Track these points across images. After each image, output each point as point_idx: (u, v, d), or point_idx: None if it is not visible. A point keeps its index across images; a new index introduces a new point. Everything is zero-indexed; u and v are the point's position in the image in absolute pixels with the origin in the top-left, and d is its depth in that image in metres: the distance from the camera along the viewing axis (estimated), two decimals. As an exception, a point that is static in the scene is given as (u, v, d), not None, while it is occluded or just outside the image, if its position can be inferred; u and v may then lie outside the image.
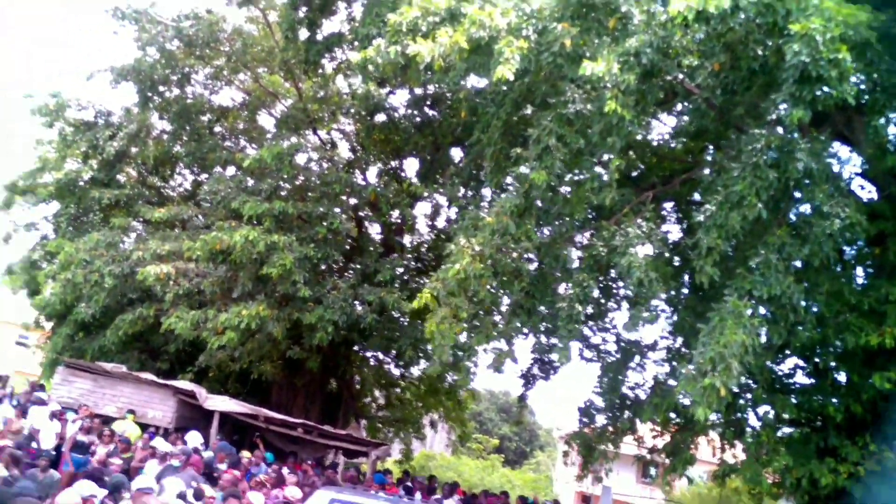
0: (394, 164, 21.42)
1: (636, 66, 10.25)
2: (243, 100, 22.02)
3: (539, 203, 12.15)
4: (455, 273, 11.57)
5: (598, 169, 12.01)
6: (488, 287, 12.46)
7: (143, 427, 16.09)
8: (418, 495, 16.03)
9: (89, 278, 17.85)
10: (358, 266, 18.69)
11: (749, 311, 10.56)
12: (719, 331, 10.32)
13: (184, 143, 20.79)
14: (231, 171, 20.70)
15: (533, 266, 13.76)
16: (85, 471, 10.43)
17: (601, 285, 14.62)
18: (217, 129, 21.78)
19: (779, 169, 10.39)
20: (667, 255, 12.98)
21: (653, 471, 40.76)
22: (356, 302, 17.39)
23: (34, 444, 13.12)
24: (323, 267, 18.66)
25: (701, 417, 10.56)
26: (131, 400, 17.41)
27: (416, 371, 23.40)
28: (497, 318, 14.72)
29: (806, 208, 11.79)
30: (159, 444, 13.75)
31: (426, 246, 22.19)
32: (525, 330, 14.47)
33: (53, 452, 13.50)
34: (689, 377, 10.70)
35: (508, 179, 13.51)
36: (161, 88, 20.35)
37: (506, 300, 13.73)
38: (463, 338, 13.61)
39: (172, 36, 19.21)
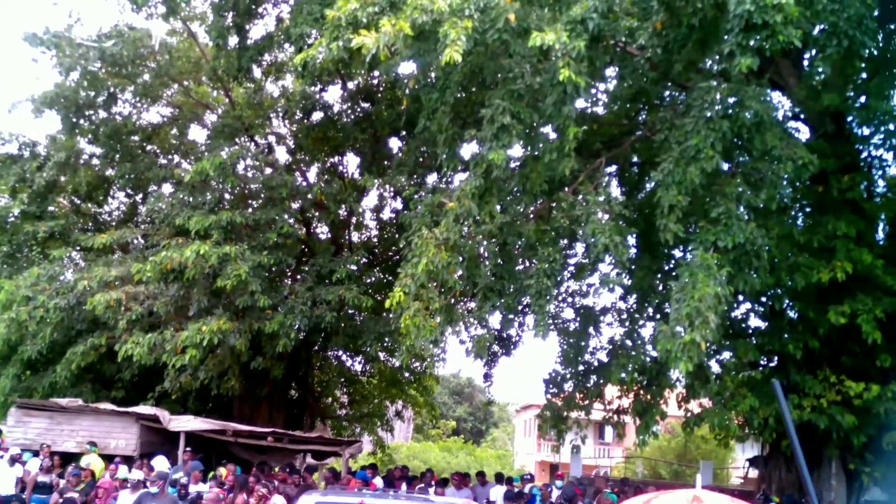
0: (333, 161, 21.25)
1: (583, 32, 10.43)
2: (172, 114, 21.49)
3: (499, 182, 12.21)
4: (424, 267, 11.59)
5: (553, 138, 12.15)
6: (457, 274, 12.52)
7: (109, 458, 15.72)
8: (404, 486, 16.05)
9: (34, 315, 17.25)
10: (311, 267, 18.46)
11: (716, 263, 10.87)
12: (692, 285, 10.57)
13: (116, 165, 20.14)
14: (168, 188, 20.22)
15: (497, 247, 13.85)
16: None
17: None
18: (149, 147, 21.18)
19: (730, 119, 10.70)
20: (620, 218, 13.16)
21: (608, 433, 41.65)
22: (315, 303, 17.20)
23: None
24: (277, 273, 18.45)
25: (683, 371, 10.86)
26: (91, 432, 16.98)
27: (378, 365, 23.33)
28: (467, 303, 14.85)
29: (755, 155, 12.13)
30: (123, 472, 13.46)
31: (375, 239, 22.13)
32: (498, 311, 14.55)
33: (23, 496, 13.15)
34: (666, 335, 10.94)
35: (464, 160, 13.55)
36: (87, 112, 19.70)
37: (474, 285, 13.75)
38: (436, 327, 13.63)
39: (95, 57, 18.53)
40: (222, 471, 14.81)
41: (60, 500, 11.38)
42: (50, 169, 19.33)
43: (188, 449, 16.04)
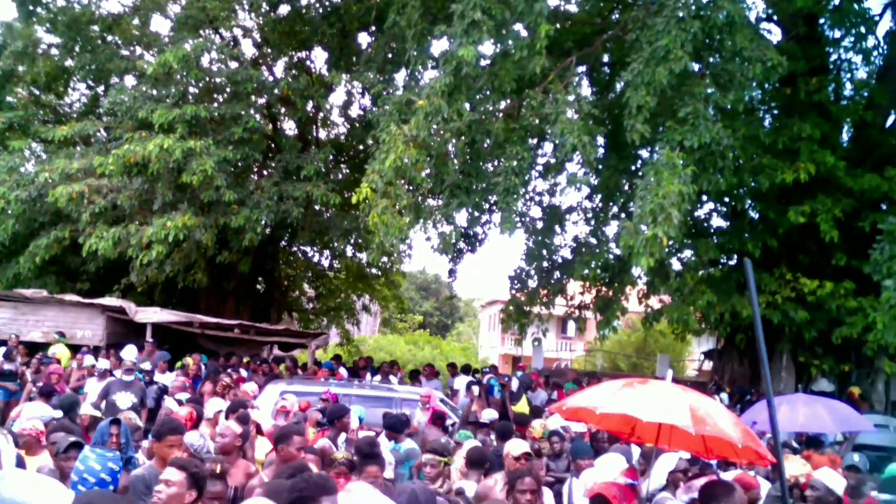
0: (301, 56, 20.73)
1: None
2: (134, 4, 20.59)
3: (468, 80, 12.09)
4: (392, 163, 11.58)
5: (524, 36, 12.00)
6: (424, 172, 12.53)
7: (74, 349, 15.86)
8: (369, 376, 16.43)
9: (-6, 206, 17.02)
10: (278, 163, 18.29)
11: (681, 162, 11.00)
12: (656, 183, 10.72)
13: (76, 56, 19.48)
14: (130, 80, 19.66)
15: (465, 145, 13.82)
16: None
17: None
18: (110, 38, 20.40)
19: (702, 19, 10.63)
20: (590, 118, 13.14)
21: (570, 328, 42.58)
22: (281, 199, 17.15)
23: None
24: (243, 168, 18.27)
25: (645, 267, 11.13)
26: (57, 323, 17.11)
27: (344, 260, 23.48)
28: (434, 200, 14.88)
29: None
30: (89, 361, 13.61)
31: (343, 137, 21.88)
32: (466, 209, 14.63)
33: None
34: (629, 231, 11.16)
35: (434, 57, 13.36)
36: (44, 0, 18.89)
37: (442, 182, 13.76)
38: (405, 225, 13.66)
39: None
40: (189, 361, 14.99)
41: (34, 389, 11.44)
42: (7, 58, 18.68)
43: (151, 340, 16.21)
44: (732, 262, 16.89)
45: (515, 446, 6.64)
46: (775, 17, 15.04)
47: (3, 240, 17.87)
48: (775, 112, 15.56)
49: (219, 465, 5.69)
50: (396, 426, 8.58)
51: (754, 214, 16.23)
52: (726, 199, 16.32)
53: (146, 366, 13.73)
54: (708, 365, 20.74)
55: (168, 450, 5.74)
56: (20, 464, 5.78)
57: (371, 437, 7.70)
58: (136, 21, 20.83)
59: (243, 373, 14.18)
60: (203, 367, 14.78)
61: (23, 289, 17.74)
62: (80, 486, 4.40)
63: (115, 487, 4.65)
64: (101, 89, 20.96)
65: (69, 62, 19.85)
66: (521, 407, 12.33)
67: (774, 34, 15.34)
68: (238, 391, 11.32)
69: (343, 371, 16.42)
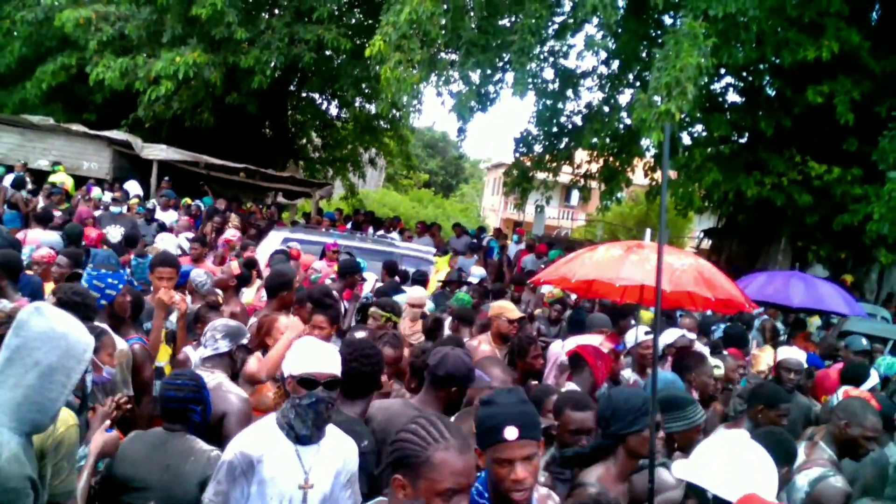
0: None
1: None
2: None
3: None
4: (407, 15, 11.25)
5: None
6: (440, 26, 12.19)
7: (81, 180, 15.93)
8: (371, 230, 16.59)
9: (0, 26, 16.70)
10: (290, 2, 17.72)
11: (703, 32, 10.70)
12: (675, 54, 10.47)
13: None
14: None
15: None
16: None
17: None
18: None
19: None
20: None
21: (574, 196, 42.55)
22: (292, 41, 16.75)
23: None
24: (254, 5, 17.74)
25: (655, 141, 11.04)
26: (63, 153, 17.15)
27: (353, 110, 23.14)
28: (448, 55, 14.55)
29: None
30: (96, 193, 13.70)
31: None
32: (485, 69, 14.27)
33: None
34: (643, 103, 10.98)
35: None
36: None
37: (458, 38, 13.37)
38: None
39: None
40: (188, 201, 15.06)
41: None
42: None
43: (167, 179, 16.29)
44: (743, 141, 16.70)
45: (511, 310, 6.47)
46: None
47: (10, 63, 17.77)
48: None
49: (218, 297, 5.86)
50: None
51: (771, 92, 15.88)
52: (744, 74, 15.93)
53: (151, 204, 13.85)
54: (707, 243, 20.87)
55: (158, 281, 5.77)
56: (40, 288, 5.95)
57: (326, 286, 7.57)
58: None
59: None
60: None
61: (30, 115, 17.64)
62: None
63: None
64: None
65: None
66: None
67: None
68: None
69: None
